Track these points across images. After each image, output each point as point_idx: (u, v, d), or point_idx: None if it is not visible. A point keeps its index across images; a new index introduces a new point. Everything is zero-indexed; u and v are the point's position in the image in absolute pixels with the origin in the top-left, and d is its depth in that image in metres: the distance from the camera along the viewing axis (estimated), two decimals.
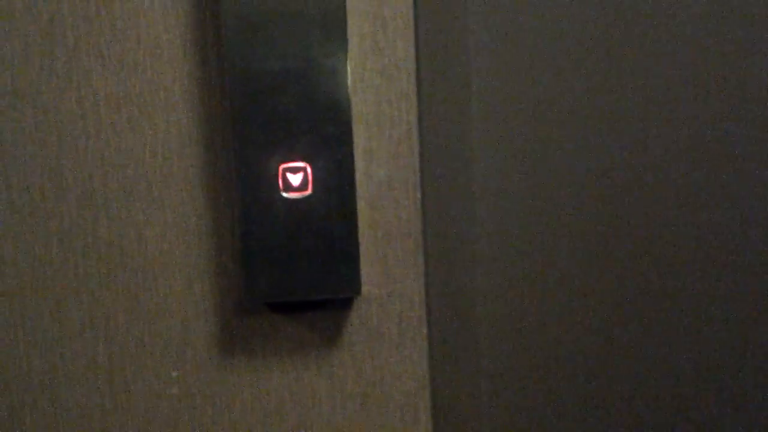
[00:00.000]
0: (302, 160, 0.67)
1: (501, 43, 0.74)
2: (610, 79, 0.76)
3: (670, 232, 0.79)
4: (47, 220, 0.69)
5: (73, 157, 0.68)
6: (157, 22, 0.67)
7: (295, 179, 0.67)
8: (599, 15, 0.74)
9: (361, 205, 0.71)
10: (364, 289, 0.72)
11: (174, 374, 0.72)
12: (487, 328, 0.79)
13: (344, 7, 0.65)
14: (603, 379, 0.80)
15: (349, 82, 0.67)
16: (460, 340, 0.76)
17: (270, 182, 0.67)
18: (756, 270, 0.80)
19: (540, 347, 0.79)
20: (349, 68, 0.66)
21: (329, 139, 0.67)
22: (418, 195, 0.71)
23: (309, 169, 0.67)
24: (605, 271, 0.79)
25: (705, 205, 0.79)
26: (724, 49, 0.77)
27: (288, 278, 0.69)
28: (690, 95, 0.77)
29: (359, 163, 0.70)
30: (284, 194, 0.67)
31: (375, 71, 0.69)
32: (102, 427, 0.72)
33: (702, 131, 0.78)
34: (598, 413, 0.81)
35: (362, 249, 0.71)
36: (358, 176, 0.70)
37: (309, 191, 0.67)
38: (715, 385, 0.82)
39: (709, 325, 0.81)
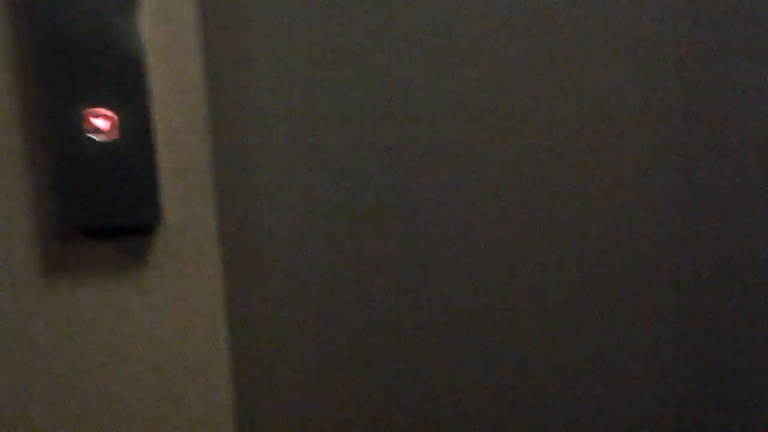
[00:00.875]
0: (106, 107, 0.79)
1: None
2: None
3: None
4: None
5: None
6: None
7: (100, 123, 0.79)
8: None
9: (160, 146, 0.83)
10: (166, 218, 0.84)
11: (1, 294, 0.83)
12: (277, 249, 0.90)
13: None
14: (395, 307, 0.92)
15: (142, 40, 0.78)
16: (251, 260, 0.87)
17: (77, 125, 0.78)
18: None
19: (329, 266, 0.91)
20: (142, 28, 0.78)
21: (127, 89, 0.78)
22: (208, 136, 0.83)
23: (112, 115, 0.79)
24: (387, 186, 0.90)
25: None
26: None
27: (98, 208, 0.80)
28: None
29: (156, 111, 0.82)
30: (91, 135, 0.79)
31: (164, 31, 0.80)
32: None
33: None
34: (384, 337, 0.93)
35: (161, 184, 0.83)
36: (155, 121, 0.82)
37: (113, 134, 0.79)
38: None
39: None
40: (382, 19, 0.86)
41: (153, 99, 0.81)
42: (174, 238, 0.84)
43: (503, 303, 0.94)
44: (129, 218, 0.81)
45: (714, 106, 0.91)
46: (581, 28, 0.87)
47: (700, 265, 0.95)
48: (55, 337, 0.84)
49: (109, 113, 0.79)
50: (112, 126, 0.79)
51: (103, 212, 0.80)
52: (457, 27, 0.87)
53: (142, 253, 0.84)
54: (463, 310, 0.93)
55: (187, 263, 0.85)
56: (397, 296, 0.92)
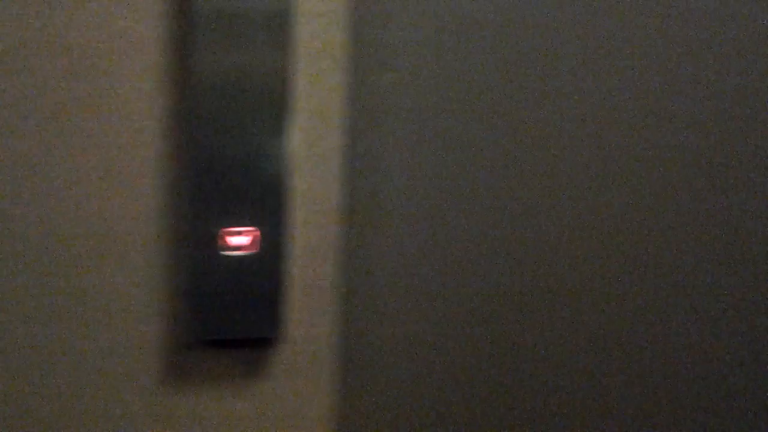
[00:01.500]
0: (244, 225, 0.81)
1: (420, 137, 0.88)
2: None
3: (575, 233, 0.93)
4: (30, 265, 0.80)
5: (59, 216, 0.80)
6: (138, 111, 0.80)
7: (238, 240, 0.81)
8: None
9: (291, 264, 0.85)
10: (288, 331, 0.85)
11: (126, 398, 0.84)
12: (389, 367, 0.92)
13: (290, 105, 0.79)
14: (495, 405, 0.94)
15: (290, 163, 0.80)
16: (364, 376, 0.89)
17: (214, 242, 0.80)
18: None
19: (439, 390, 0.93)
20: (290, 153, 0.80)
21: (267, 210, 0.81)
22: (336, 258, 0.85)
23: (250, 233, 0.81)
24: (506, 306, 0.93)
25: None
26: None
27: (226, 321, 0.82)
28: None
29: (293, 230, 0.84)
30: (227, 252, 0.81)
31: (311, 156, 0.83)
32: None
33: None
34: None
35: (285, 299, 0.85)
36: (291, 240, 0.84)
37: (249, 251, 0.81)
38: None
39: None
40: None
41: (291, 218, 0.84)
42: (294, 353, 0.86)
43: (627, 306, 0.95)
44: (252, 332, 0.83)
45: None
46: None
47: None
48: None
49: (246, 230, 0.81)
50: (248, 243, 0.81)
51: (228, 325, 0.82)
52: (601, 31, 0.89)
53: (260, 365, 0.86)
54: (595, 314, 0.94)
55: (303, 377, 0.86)
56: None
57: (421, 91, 0.87)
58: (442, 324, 0.92)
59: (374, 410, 0.89)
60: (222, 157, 0.79)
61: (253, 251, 0.81)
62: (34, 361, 0.82)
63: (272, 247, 0.81)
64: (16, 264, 0.80)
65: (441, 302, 0.91)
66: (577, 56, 0.89)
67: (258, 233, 0.81)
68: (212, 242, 0.80)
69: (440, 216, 0.90)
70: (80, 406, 0.84)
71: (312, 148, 0.83)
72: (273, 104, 0.79)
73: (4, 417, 0.82)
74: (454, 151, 0.89)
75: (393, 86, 0.85)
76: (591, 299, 0.94)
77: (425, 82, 0.87)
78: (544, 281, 0.93)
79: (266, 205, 0.80)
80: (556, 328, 0.94)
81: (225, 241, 0.80)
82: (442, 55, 0.87)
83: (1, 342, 0.81)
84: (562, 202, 0.92)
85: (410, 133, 0.88)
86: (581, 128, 0.91)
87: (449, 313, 0.92)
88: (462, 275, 0.91)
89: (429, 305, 0.91)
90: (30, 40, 0.77)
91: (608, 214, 0.93)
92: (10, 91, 0.78)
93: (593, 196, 0.92)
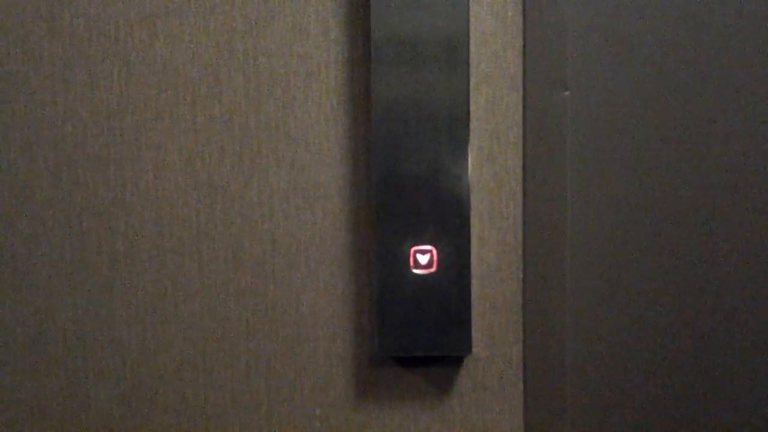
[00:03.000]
0: (430, 243, 0.83)
1: (596, 154, 0.88)
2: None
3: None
4: (227, 283, 0.86)
5: (250, 236, 0.85)
6: (321, 133, 0.84)
7: (423, 259, 0.83)
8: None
9: (474, 282, 0.86)
10: (474, 350, 0.87)
11: (317, 412, 0.88)
12: (574, 387, 0.91)
13: (468, 126, 0.81)
14: (686, 423, 0.91)
15: (469, 183, 0.83)
16: (550, 395, 0.88)
17: (403, 260, 0.83)
18: None
19: (621, 405, 0.91)
20: (469, 173, 0.82)
21: (451, 229, 0.83)
22: (521, 276, 0.86)
23: (435, 251, 0.83)
24: (692, 320, 0.90)
25: None
26: None
27: (413, 337, 0.84)
28: None
29: (474, 248, 0.86)
30: (414, 270, 0.83)
31: (489, 175, 0.85)
32: None
33: None
34: None
35: (473, 318, 0.86)
36: (473, 259, 0.86)
37: (434, 269, 0.83)
38: None
39: None
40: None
41: (472, 238, 0.85)
42: (480, 370, 0.87)
43: None
44: (440, 349, 0.84)
45: None
46: None
47: None
48: None
49: (429, 247, 0.83)
50: (431, 259, 0.83)
51: (416, 343, 0.84)
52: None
53: (448, 383, 0.87)
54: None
55: (490, 396, 0.87)
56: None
57: (596, 109, 0.87)
58: (629, 339, 0.90)
59: (561, 428, 0.88)
60: (404, 178, 0.82)
61: (437, 270, 0.83)
62: (231, 376, 0.88)
63: (456, 265, 0.83)
64: (211, 284, 0.86)
65: (627, 317, 0.90)
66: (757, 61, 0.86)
67: (441, 252, 0.83)
68: (403, 260, 0.83)
69: (620, 228, 0.89)
70: (275, 420, 0.88)
71: (490, 167, 0.85)
72: (451, 125, 0.81)
73: (207, 426, 0.88)
74: (630, 167, 0.88)
75: (568, 104, 0.86)
76: None
77: (599, 100, 0.87)
78: (737, 281, 0.90)
79: (448, 224, 0.82)
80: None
81: (415, 260, 0.83)
82: (617, 72, 0.87)
83: (200, 359, 0.87)
84: (744, 206, 0.89)
85: (584, 150, 0.87)
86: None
87: (636, 328, 0.90)
88: (649, 288, 0.89)
89: (614, 320, 0.90)
90: (220, 66, 0.83)
91: None
92: (199, 117, 0.84)
93: None
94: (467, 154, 0.82)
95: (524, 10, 0.83)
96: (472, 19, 0.83)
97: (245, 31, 0.83)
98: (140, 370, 0.87)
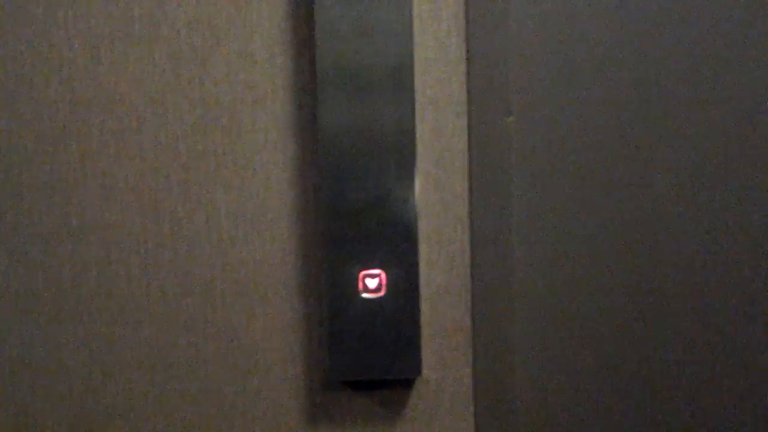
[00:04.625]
0: (378, 267, 0.83)
1: (540, 178, 0.89)
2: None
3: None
4: (176, 310, 0.86)
5: (199, 262, 0.85)
6: (268, 160, 0.84)
7: (372, 283, 0.83)
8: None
9: (423, 305, 0.86)
10: (424, 372, 0.87)
11: None
12: (524, 407, 0.91)
13: (414, 151, 0.82)
14: None
15: (416, 207, 0.83)
16: (501, 416, 0.88)
17: (352, 285, 0.83)
18: None
19: (572, 423, 0.92)
20: (416, 197, 0.83)
21: (400, 252, 0.83)
22: (469, 298, 0.87)
23: (383, 276, 0.83)
24: (640, 337, 0.91)
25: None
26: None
27: (363, 361, 0.84)
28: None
29: (423, 272, 0.86)
30: (363, 295, 0.83)
31: (436, 199, 0.85)
32: None
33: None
34: None
35: (422, 340, 0.87)
36: (422, 282, 0.86)
37: (383, 293, 0.84)
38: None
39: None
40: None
41: (420, 262, 0.86)
42: (431, 392, 0.87)
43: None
44: (391, 372, 0.85)
45: None
46: None
47: None
48: None
49: (377, 272, 0.83)
50: (380, 284, 0.83)
51: (367, 366, 0.84)
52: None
53: (400, 405, 0.87)
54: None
55: (442, 417, 0.88)
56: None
57: (540, 134, 0.88)
58: (579, 359, 0.91)
59: None
60: (352, 204, 0.82)
61: (386, 294, 0.83)
62: (181, 404, 0.87)
63: (405, 289, 0.83)
64: (160, 310, 0.86)
65: (576, 337, 0.91)
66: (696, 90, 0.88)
67: (390, 276, 0.83)
68: (352, 285, 0.83)
69: (567, 249, 0.90)
70: None
71: (437, 191, 0.85)
72: (398, 151, 0.82)
73: None
74: (575, 189, 0.89)
75: (512, 130, 0.86)
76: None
77: (544, 125, 0.88)
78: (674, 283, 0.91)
79: (397, 248, 0.83)
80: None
81: (364, 284, 0.83)
82: (561, 97, 0.88)
83: (149, 387, 0.87)
84: (687, 226, 0.90)
85: (529, 174, 0.88)
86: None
87: (585, 348, 0.91)
88: (597, 308, 0.90)
89: (563, 341, 0.90)
90: (166, 93, 0.83)
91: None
92: (146, 144, 0.84)
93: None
94: (414, 179, 0.82)
95: (467, 37, 0.84)
96: (416, 47, 0.84)
97: (191, 58, 0.83)
98: (87, 397, 0.86)
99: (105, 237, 0.85)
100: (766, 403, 0.93)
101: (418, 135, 0.84)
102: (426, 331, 0.87)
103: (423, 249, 0.86)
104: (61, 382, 0.86)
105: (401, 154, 0.82)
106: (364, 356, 0.84)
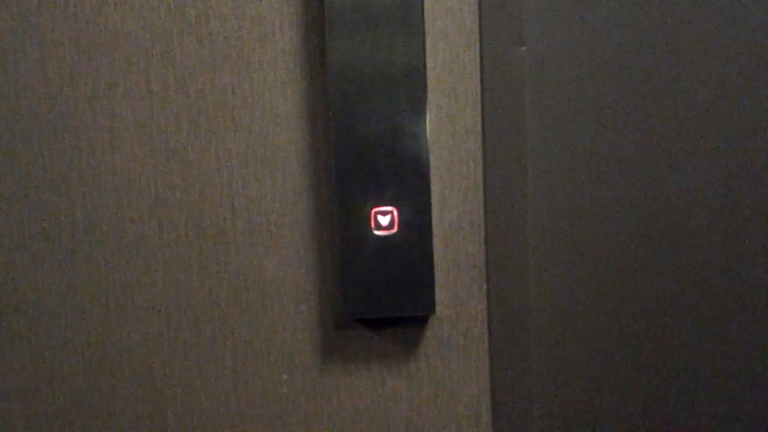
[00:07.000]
0: (390, 204, 0.83)
1: (554, 109, 0.88)
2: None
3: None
4: (189, 252, 0.85)
5: (211, 203, 0.85)
6: (277, 97, 0.84)
7: (384, 220, 0.83)
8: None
9: (436, 242, 0.86)
10: (437, 309, 0.87)
11: (284, 377, 0.88)
12: (538, 342, 0.91)
13: (425, 85, 0.81)
14: (644, 381, 0.92)
15: (428, 142, 0.82)
16: (515, 352, 0.88)
17: (364, 222, 0.83)
18: None
19: (585, 359, 0.91)
20: (428, 132, 0.82)
21: (411, 189, 0.82)
22: (483, 234, 0.86)
23: (395, 212, 0.83)
24: (649, 278, 0.91)
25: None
26: None
27: (377, 299, 0.84)
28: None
29: (435, 208, 0.85)
30: (376, 232, 0.83)
31: (448, 134, 0.85)
32: (227, 414, 0.88)
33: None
34: (640, 410, 0.93)
35: (436, 277, 0.86)
36: (434, 218, 0.86)
37: (395, 230, 0.83)
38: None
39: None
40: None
41: (433, 197, 0.85)
42: (445, 329, 0.87)
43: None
44: (404, 310, 0.84)
45: None
46: None
47: None
48: (327, 417, 0.87)
49: (389, 208, 0.82)
50: (392, 220, 0.82)
51: (380, 304, 0.84)
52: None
53: (414, 343, 0.87)
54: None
55: (455, 354, 0.88)
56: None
57: (553, 64, 0.87)
58: (592, 292, 0.90)
59: (528, 386, 0.89)
60: (363, 140, 0.81)
61: (398, 231, 0.83)
62: (195, 344, 0.87)
63: (418, 225, 0.83)
64: (172, 252, 0.85)
65: (589, 271, 0.90)
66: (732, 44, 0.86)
67: (402, 212, 0.82)
68: (364, 222, 0.82)
69: (581, 182, 0.89)
70: (241, 387, 0.88)
71: (449, 125, 0.84)
72: (408, 84, 0.81)
73: (174, 394, 0.87)
74: (589, 120, 0.88)
75: (525, 60, 0.85)
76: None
77: (557, 54, 0.87)
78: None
79: (408, 184, 0.82)
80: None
81: (376, 222, 0.82)
82: (574, 26, 0.86)
83: (164, 328, 0.87)
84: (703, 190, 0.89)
85: (543, 106, 0.87)
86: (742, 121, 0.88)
87: (599, 282, 0.90)
88: (611, 242, 0.90)
89: (577, 274, 0.90)
90: (172, 31, 0.82)
91: None
92: (153, 84, 0.83)
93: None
94: (425, 114, 0.81)
95: None
96: None
97: None
98: (104, 340, 0.86)
99: (115, 179, 0.84)
100: None
101: (429, 68, 0.83)
102: (439, 268, 0.86)
103: (435, 184, 0.85)
104: (76, 326, 0.86)
105: (412, 88, 0.81)
106: (377, 294, 0.84)
